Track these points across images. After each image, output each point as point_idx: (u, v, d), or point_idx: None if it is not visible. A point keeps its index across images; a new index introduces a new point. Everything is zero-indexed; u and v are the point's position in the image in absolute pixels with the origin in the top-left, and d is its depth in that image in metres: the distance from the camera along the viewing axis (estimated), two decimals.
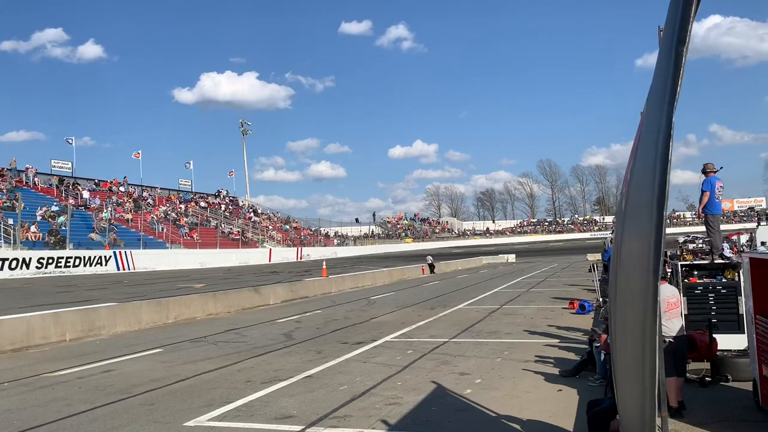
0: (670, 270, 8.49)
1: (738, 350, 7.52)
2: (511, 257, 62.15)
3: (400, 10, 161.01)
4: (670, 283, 7.37)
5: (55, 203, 42.63)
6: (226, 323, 14.95)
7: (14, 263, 31.21)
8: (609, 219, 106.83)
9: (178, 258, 43.39)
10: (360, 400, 6.99)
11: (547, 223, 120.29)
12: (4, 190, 40.86)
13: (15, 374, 8.98)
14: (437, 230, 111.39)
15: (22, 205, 36.79)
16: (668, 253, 10.02)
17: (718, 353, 7.21)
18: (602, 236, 78.85)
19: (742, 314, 7.58)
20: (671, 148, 2.02)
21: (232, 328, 13.89)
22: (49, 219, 39.07)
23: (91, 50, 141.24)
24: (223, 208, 65.60)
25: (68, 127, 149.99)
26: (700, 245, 8.47)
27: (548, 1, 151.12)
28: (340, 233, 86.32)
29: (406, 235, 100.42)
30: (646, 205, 2.16)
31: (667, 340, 5.83)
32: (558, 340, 11.01)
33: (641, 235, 2.23)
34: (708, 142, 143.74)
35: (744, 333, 7.28)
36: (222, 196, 71.03)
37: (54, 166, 50.14)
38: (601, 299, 15.38)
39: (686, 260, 8.46)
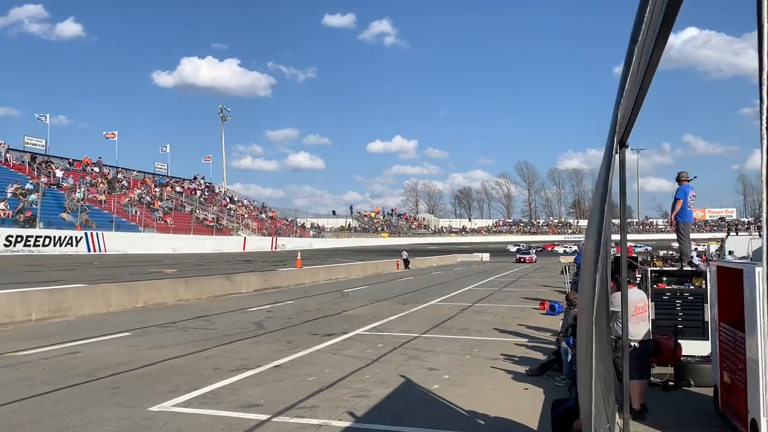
0: (639, 275, 8.62)
1: (701, 356, 7.66)
2: (486, 256, 62.59)
3: (384, 6, 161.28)
4: (640, 288, 7.48)
5: (27, 181, 41.82)
6: (196, 310, 14.82)
7: None
8: (583, 222, 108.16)
9: (151, 242, 42.90)
10: (328, 391, 6.99)
11: (522, 224, 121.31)
12: None
13: None
14: (414, 226, 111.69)
15: None
16: (639, 259, 10.17)
17: (682, 358, 7.34)
18: (576, 239, 79.93)
19: (707, 321, 7.72)
20: (615, 145, 2.08)
21: (202, 315, 13.79)
22: (20, 196, 38.32)
23: (70, 28, 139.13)
24: (198, 194, 64.96)
25: (44, 105, 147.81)
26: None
27: (531, 6, 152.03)
28: (316, 225, 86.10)
29: (383, 230, 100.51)
30: (597, 206, 2.23)
31: (632, 343, 5.91)
32: (527, 340, 11.12)
33: (591, 235, 2.32)
34: (682, 151, 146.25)
35: (708, 340, 7.41)
36: (198, 182, 70.34)
37: (27, 143, 49.18)
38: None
39: (656, 266, 8.59)
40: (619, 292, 5.00)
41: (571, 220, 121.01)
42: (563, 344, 8.06)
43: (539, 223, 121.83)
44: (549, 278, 30.68)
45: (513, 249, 74.46)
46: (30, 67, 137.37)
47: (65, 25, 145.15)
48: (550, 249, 77.73)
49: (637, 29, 1.93)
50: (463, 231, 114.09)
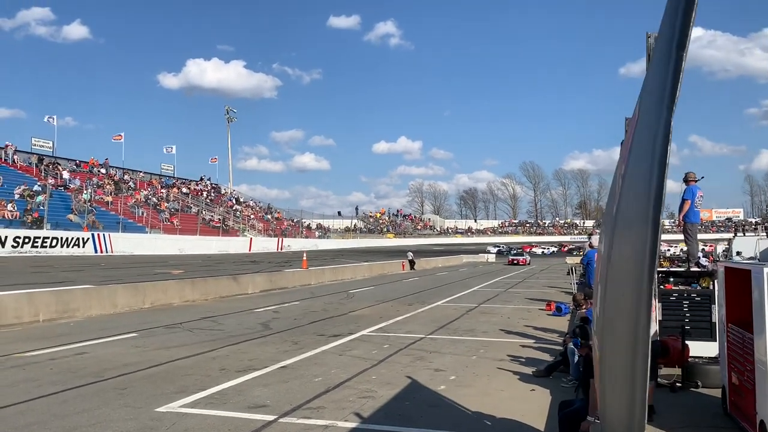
0: None
1: (709, 357, 7.62)
2: (492, 257, 62.50)
3: (389, 7, 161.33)
4: None
5: (34, 182, 42.01)
6: (202, 310, 14.86)
7: None
8: (590, 223, 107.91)
9: (157, 243, 43.02)
10: (334, 392, 6.99)
11: (528, 225, 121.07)
12: None
13: None
14: (419, 227, 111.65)
15: (0, 182, 36.23)
16: None
17: (689, 359, 7.30)
18: (582, 240, 79.46)
19: (715, 322, 7.68)
20: (669, 152, 2.03)
21: (209, 316, 13.81)
22: (28, 198, 38.50)
23: (77, 31, 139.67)
24: (205, 195, 65.12)
25: (51, 107, 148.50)
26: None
27: (536, 7, 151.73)
28: (322, 225, 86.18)
29: (388, 231, 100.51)
30: (641, 210, 2.17)
31: None
32: (533, 341, 11.09)
33: (634, 242, 2.23)
34: (688, 152, 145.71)
35: (715, 341, 7.38)
36: (205, 183, 70.51)
37: (35, 145, 49.39)
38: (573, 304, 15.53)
39: (663, 267, 8.56)
40: None
41: (577, 221, 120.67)
42: (570, 345, 8.04)
43: (545, 223, 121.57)
44: (555, 279, 30.61)
45: (493, 250, 70.85)
46: (37, 70, 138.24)
47: (72, 28, 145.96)
48: (528, 250, 73.85)
49: (683, 35, 1.88)
50: (468, 232, 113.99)
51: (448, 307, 16.87)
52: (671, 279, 8.32)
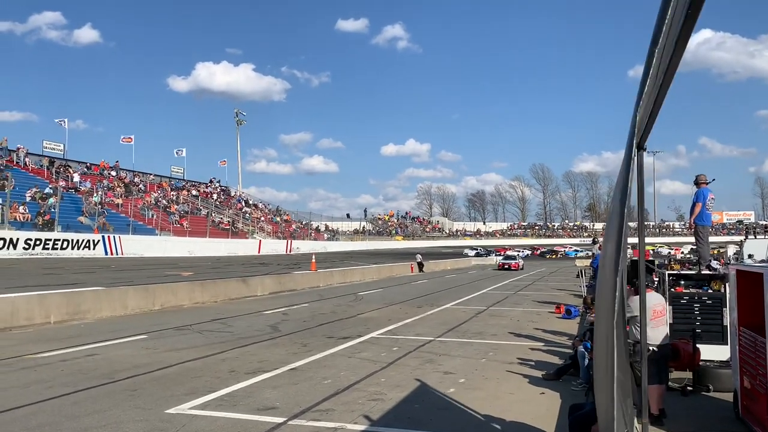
0: (657, 279, 8.54)
1: (720, 361, 7.57)
2: (500, 259, 62.31)
3: (397, 11, 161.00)
4: (657, 291, 7.41)
5: (46, 185, 42.29)
6: (212, 312, 14.90)
7: (1, 243, 30.98)
8: (599, 226, 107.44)
9: (167, 245, 43.19)
10: (343, 394, 7.00)
11: (537, 227, 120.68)
12: None
13: None
14: (428, 229, 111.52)
15: (12, 184, 36.51)
16: (656, 262, 10.07)
17: (700, 363, 7.26)
18: (587, 243, 79.04)
19: (726, 325, 7.63)
20: (634, 150, 2.08)
21: (218, 318, 13.86)
22: (39, 200, 38.76)
23: (88, 34, 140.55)
24: (214, 198, 65.34)
25: (62, 110, 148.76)
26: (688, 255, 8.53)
27: (544, 9, 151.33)
28: (330, 228, 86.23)
29: (397, 233, 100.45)
30: (616, 210, 2.24)
31: (650, 348, 5.86)
32: (543, 344, 11.05)
33: (610, 239, 2.32)
34: (698, 154, 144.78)
35: (727, 344, 7.33)
36: (214, 186, 70.76)
37: (46, 148, 49.68)
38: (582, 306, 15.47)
39: (674, 270, 8.51)
40: (637, 296, 4.97)
41: (586, 224, 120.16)
42: (580, 348, 8.01)
43: (554, 226, 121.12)
44: (564, 282, 30.49)
45: (471, 253, 67.69)
46: (48, 73, 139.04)
47: (83, 32, 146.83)
48: (501, 253, 73.21)
49: (658, 31, 1.92)
50: (477, 234, 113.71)
51: (458, 309, 16.84)
52: (682, 282, 8.27)
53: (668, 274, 8.31)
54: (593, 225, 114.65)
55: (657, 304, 6.37)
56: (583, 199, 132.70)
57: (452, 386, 7.52)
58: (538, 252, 79.28)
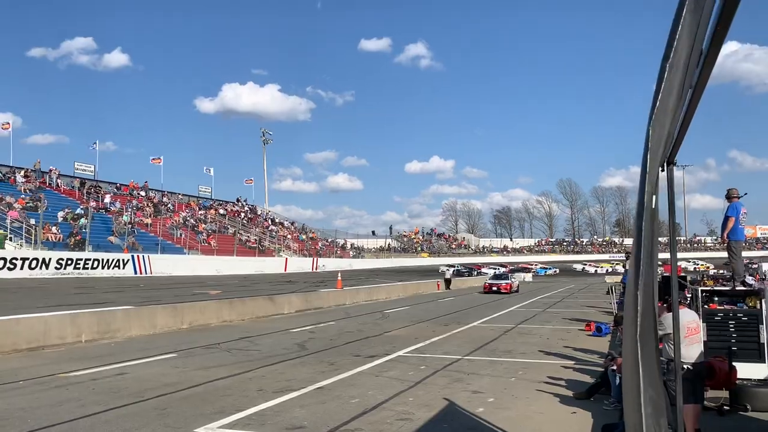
0: (690, 295, 8.37)
1: (758, 380, 7.37)
2: (528, 276, 61.74)
3: (419, 29, 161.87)
4: (690, 308, 7.26)
5: (77, 206, 43.14)
6: (239, 331, 14.98)
7: (34, 263, 31.58)
8: (628, 241, 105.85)
9: (195, 264, 43.63)
10: (371, 414, 6.95)
11: (565, 243, 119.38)
12: (28, 191, 41.45)
13: (31, 373, 9.06)
14: (453, 246, 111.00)
15: (45, 206, 37.32)
16: (687, 278, 9.88)
17: (737, 382, 7.06)
18: (620, 258, 77.81)
19: (764, 343, 7.44)
20: (647, 166, 2.08)
21: (246, 336, 13.91)
22: (71, 221, 39.53)
23: (117, 58, 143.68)
24: (241, 216, 65.97)
25: (92, 132, 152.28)
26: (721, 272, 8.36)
27: (565, 24, 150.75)
28: (356, 245, 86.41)
29: (422, 250, 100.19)
30: (635, 225, 2.27)
31: (685, 366, 5.73)
32: (573, 362, 10.88)
33: (632, 255, 2.33)
34: (728, 167, 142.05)
35: (765, 362, 7.14)
36: (241, 204, 71.48)
37: (77, 169, 50.77)
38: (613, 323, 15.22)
39: (707, 286, 8.33)
40: (670, 313, 4.87)
41: (615, 239, 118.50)
42: (610, 367, 7.86)
43: (583, 242, 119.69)
44: (594, 299, 30.06)
45: (448, 273, 53.81)
46: (79, 97, 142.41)
47: (113, 56, 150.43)
48: (478, 270, 66.47)
49: (669, 47, 1.93)
50: (504, 251, 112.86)
51: (485, 327, 16.68)
52: (716, 298, 8.10)
53: (701, 290, 8.14)
54: (622, 240, 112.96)
55: (691, 321, 6.23)
56: (612, 214, 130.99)
57: (481, 405, 7.43)
58: (509, 269, 68.35)
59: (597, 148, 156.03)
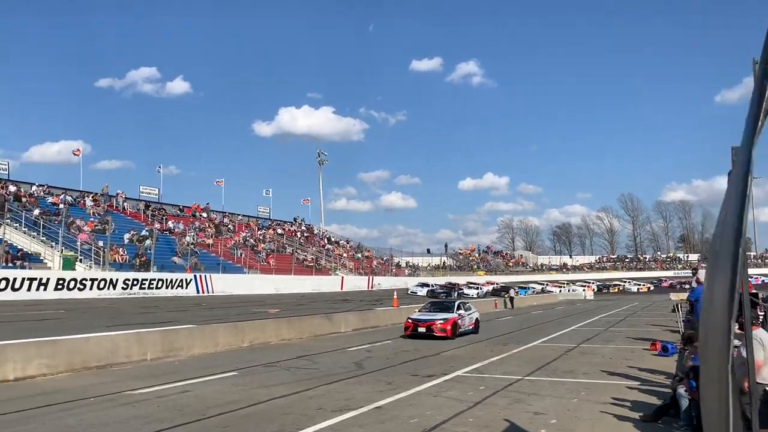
0: (762, 313, 7.99)
1: None
2: (589, 294, 60.19)
3: (471, 48, 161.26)
4: (763, 327, 6.92)
5: (142, 228, 44.73)
6: (298, 349, 15.12)
7: (102, 283, 32.84)
8: (694, 257, 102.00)
9: (254, 283, 44.42)
10: None
11: (627, 260, 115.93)
12: (97, 214, 43.26)
13: (99, 390, 9.38)
14: (510, 264, 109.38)
15: (112, 228, 38.82)
16: (760, 296, 9.43)
17: None
18: (686, 275, 75.01)
19: None
20: (750, 186, 1.95)
21: (305, 355, 14.03)
22: (136, 242, 40.99)
23: (179, 86, 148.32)
24: (298, 236, 66.93)
25: (156, 157, 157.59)
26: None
27: (617, 38, 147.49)
28: (411, 263, 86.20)
29: (479, 268, 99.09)
30: (726, 243, 2.09)
31: (762, 389, 5.45)
32: (638, 383, 10.50)
33: (723, 274, 2.15)
34: None
35: None
36: (298, 224, 72.55)
37: (142, 192, 52.70)
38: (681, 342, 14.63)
39: None
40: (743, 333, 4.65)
41: (680, 255, 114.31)
42: (679, 389, 7.55)
43: (645, 258, 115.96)
44: (659, 316, 29.02)
45: (422, 291, 51.30)
46: (144, 123, 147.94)
47: (175, 83, 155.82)
48: (460, 289, 57.75)
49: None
50: (563, 268, 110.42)
51: (545, 347, 16.32)
52: None
53: None
54: (687, 256, 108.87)
55: (766, 340, 5.94)
56: (676, 229, 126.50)
57: (543, 427, 7.25)
58: (492, 288, 61.57)
59: (657, 161, 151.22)
